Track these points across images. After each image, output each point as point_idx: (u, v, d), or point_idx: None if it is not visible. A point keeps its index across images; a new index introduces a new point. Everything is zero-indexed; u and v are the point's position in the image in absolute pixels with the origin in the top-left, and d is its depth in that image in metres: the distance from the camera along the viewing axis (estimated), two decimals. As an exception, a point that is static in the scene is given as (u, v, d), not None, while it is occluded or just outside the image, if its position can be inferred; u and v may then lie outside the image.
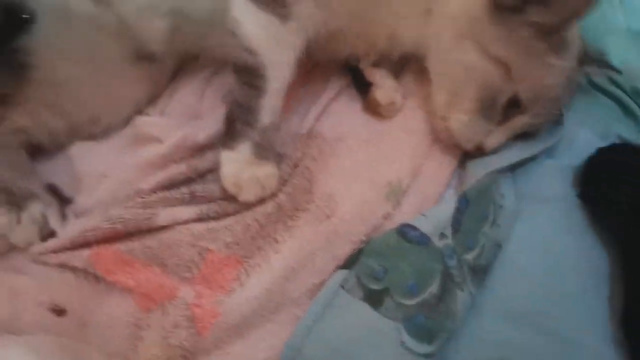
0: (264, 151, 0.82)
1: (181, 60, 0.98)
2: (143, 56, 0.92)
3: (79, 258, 0.78)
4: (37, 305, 0.77)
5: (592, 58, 0.94)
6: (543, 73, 0.80)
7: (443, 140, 0.87)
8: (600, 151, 0.88)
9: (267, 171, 0.82)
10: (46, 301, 0.78)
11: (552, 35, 0.78)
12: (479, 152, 0.85)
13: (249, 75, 0.79)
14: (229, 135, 0.82)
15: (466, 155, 0.89)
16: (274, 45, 0.79)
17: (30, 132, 0.89)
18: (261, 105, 0.80)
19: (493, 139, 0.84)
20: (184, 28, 0.90)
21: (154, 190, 0.84)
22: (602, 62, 0.99)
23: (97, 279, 0.79)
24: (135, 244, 0.79)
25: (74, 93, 0.91)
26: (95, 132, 0.94)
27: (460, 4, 0.81)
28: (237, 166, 0.81)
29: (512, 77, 0.79)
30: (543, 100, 0.81)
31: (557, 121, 0.90)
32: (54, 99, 0.90)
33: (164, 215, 0.81)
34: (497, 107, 0.82)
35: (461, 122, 0.83)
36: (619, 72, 1.00)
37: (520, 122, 0.83)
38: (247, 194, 0.82)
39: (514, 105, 0.81)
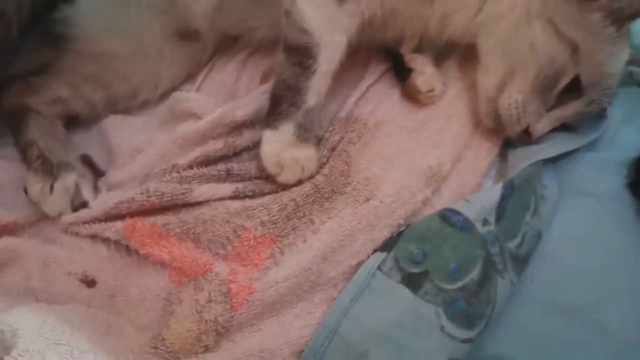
0: (306, 133, 0.82)
1: (222, 40, 0.98)
2: (185, 35, 0.92)
3: (113, 229, 0.78)
4: (67, 275, 0.77)
5: (636, 59, 0.92)
6: (607, 59, 0.79)
7: (489, 124, 0.86)
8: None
9: (307, 153, 0.82)
10: (77, 272, 0.77)
11: (623, 23, 0.78)
12: (525, 137, 0.83)
13: (300, 56, 0.79)
14: (273, 115, 0.81)
15: (508, 144, 0.88)
16: (329, 27, 0.79)
17: (68, 103, 0.90)
18: (309, 86, 0.80)
19: (542, 124, 0.82)
20: (229, 6, 0.90)
21: (190, 166, 0.84)
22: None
23: (129, 251, 0.78)
24: (171, 218, 0.79)
25: (114, 66, 0.91)
26: (133, 105, 0.94)
27: None
28: (280, 146, 0.81)
29: (578, 58, 0.78)
30: (600, 87, 0.80)
31: (600, 115, 0.89)
32: (94, 71, 0.90)
33: (200, 191, 0.81)
34: (556, 89, 0.80)
35: (515, 102, 0.81)
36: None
37: (572, 108, 0.82)
38: (287, 175, 0.81)
39: (572, 90, 0.80)
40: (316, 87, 0.80)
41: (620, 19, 0.78)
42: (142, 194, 0.79)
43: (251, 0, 0.88)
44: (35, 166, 0.83)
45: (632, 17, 0.79)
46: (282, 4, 0.80)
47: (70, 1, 0.91)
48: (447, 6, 0.84)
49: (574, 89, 0.80)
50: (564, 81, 0.80)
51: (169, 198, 0.79)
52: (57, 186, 0.81)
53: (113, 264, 0.78)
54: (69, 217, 0.81)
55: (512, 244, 0.77)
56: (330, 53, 0.80)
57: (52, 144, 0.85)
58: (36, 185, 0.81)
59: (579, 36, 0.78)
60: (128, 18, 0.91)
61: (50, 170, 0.82)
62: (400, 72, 0.93)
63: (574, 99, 0.81)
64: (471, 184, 0.85)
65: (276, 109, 0.81)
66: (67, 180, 0.82)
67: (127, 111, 0.95)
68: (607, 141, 0.92)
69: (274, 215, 0.79)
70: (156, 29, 0.92)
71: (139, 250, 0.76)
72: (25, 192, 0.83)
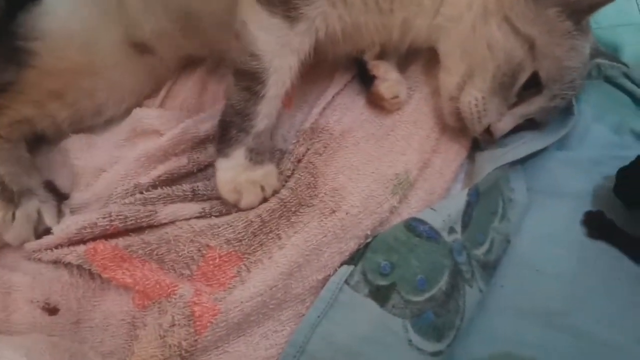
0: (259, 156, 0.79)
1: (186, 59, 0.95)
2: (139, 46, 0.89)
3: (75, 254, 0.75)
4: (29, 304, 0.74)
5: (602, 51, 0.91)
6: (565, 53, 0.78)
7: (451, 123, 0.84)
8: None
9: (264, 171, 0.80)
10: (39, 300, 0.75)
11: (580, 16, 0.77)
12: (488, 137, 0.81)
13: (249, 80, 0.77)
14: (223, 142, 0.79)
15: (475, 147, 0.86)
16: (280, 50, 0.76)
17: (34, 122, 0.87)
18: (258, 111, 0.77)
19: (503, 123, 0.80)
20: (193, 30, 0.88)
21: (153, 185, 0.82)
22: (612, 56, 0.96)
23: (92, 276, 0.75)
24: (133, 239, 0.76)
25: (78, 82, 0.88)
26: (99, 123, 0.91)
27: None
28: (233, 172, 0.78)
29: (536, 54, 0.77)
30: (561, 81, 0.79)
31: (567, 111, 0.87)
32: (58, 88, 0.87)
33: (165, 213, 0.78)
34: (515, 86, 0.79)
35: (475, 99, 0.79)
36: (627, 66, 0.97)
37: (535, 104, 0.80)
38: (248, 198, 0.78)
39: (532, 86, 0.79)
40: (265, 112, 0.77)
41: (576, 13, 0.77)
42: (104, 218, 0.76)
43: (216, 25, 0.85)
44: None
45: (589, 10, 0.78)
46: (233, 26, 0.77)
47: (32, 10, 0.88)
48: (406, 12, 0.81)
49: (534, 85, 0.79)
50: (523, 78, 0.78)
51: (132, 221, 0.77)
52: (19, 214, 0.78)
53: (76, 289, 0.75)
54: (32, 244, 0.78)
55: (479, 251, 0.75)
56: (280, 77, 0.77)
57: (13, 170, 0.82)
58: None
59: (535, 32, 0.77)
60: (84, 26, 0.88)
61: (11, 198, 0.79)
62: (365, 79, 0.90)
63: (535, 95, 0.80)
64: (439, 189, 0.83)
65: (226, 136, 0.78)
66: (29, 207, 0.79)
67: (89, 129, 0.92)
68: (578, 139, 0.91)
69: (239, 233, 0.77)
70: (111, 37, 0.89)
71: (101, 275, 0.73)
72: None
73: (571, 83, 0.80)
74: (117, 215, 0.76)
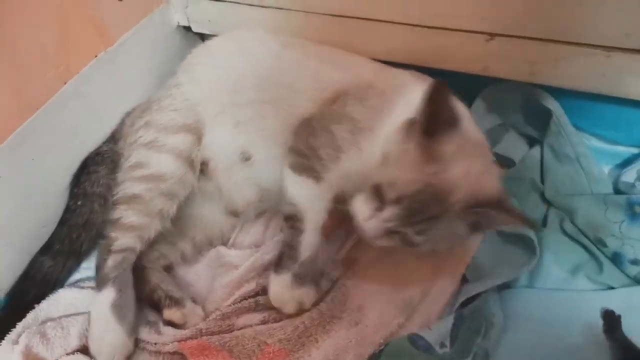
0: (301, 279, 0.99)
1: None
2: (232, 211, 1.15)
3: (172, 345, 0.95)
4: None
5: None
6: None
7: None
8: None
9: (305, 292, 0.99)
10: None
11: None
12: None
13: (293, 220, 0.98)
14: (279, 264, 1.00)
15: (463, 281, 1.03)
16: (310, 198, 0.98)
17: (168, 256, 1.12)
18: (300, 242, 0.97)
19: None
20: (266, 196, 1.13)
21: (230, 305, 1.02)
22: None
23: (179, 360, 0.93)
24: (213, 337, 0.95)
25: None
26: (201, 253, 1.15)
27: None
28: (280, 288, 0.98)
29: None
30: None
31: (533, 254, 1.04)
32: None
33: (239, 324, 0.98)
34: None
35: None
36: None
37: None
38: (288, 309, 0.98)
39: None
40: (306, 242, 0.97)
41: None
42: (195, 333, 0.96)
43: (281, 193, 1.05)
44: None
45: None
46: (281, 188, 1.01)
47: None
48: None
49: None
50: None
51: (216, 333, 0.96)
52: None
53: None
54: (147, 337, 0.98)
55: (464, 362, 0.91)
56: (313, 216, 0.98)
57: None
58: None
59: None
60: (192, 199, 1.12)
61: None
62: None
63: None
64: (434, 313, 0.99)
65: (280, 262, 0.99)
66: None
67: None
68: (541, 277, 1.07)
69: (288, 335, 0.94)
70: (217, 213, 1.14)
71: (189, 358, 0.91)
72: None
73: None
74: (206, 331, 0.96)
